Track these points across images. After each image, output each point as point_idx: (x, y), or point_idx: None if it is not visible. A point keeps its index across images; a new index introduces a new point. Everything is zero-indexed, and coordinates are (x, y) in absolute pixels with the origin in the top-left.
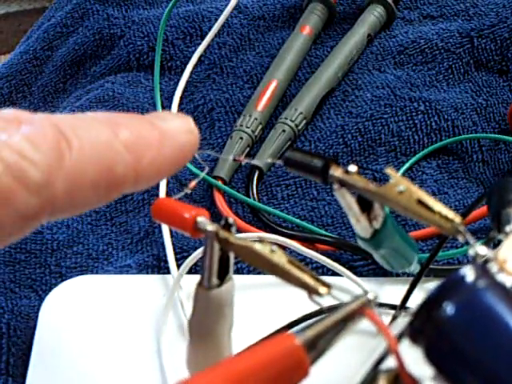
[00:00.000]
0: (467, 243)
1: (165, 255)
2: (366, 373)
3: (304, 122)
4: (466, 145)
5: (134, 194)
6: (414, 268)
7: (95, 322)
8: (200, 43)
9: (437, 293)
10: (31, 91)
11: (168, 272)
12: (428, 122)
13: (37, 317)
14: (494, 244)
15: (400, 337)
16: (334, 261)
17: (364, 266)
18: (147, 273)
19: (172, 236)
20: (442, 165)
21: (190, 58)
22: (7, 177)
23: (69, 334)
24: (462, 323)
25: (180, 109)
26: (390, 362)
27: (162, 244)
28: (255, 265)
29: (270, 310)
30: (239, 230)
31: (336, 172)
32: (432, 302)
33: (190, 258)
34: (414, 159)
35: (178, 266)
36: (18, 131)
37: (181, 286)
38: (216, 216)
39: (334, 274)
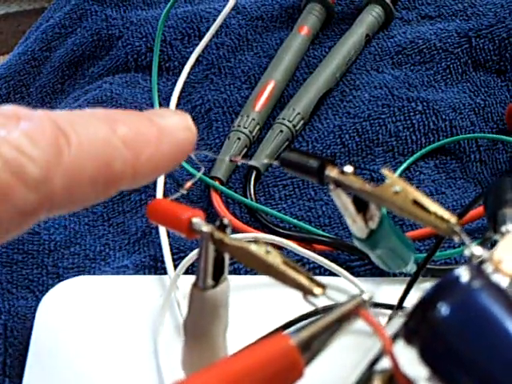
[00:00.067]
0: (463, 243)
1: (162, 256)
2: (361, 373)
3: (302, 122)
4: (464, 145)
5: (131, 195)
6: (411, 268)
7: (92, 322)
8: (198, 44)
9: (431, 293)
10: (29, 92)
11: (165, 272)
12: (426, 122)
13: (34, 317)
14: (492, 244)
15: (395, 337)
16: (332, 261)
17: (361, 266)
18: (144, 273)
19: (169, 237)
20: (440, 165)
21: (187, 59)
22: (5, 173)
23: (66, 334)
24: (456, 324)
25: (178, 109)
26: (385, 363)
27: (159, 245)
28: (250, 265)
29: (265, 310)
30: (237, 231)
31: (332, 172)
32: (427, 303)
33: (186, 258)
34: (411, 159)
35: (175, 267)
36: (17, 127)
37: (177, 286)
38: (213, 216)
39: (331, 274)
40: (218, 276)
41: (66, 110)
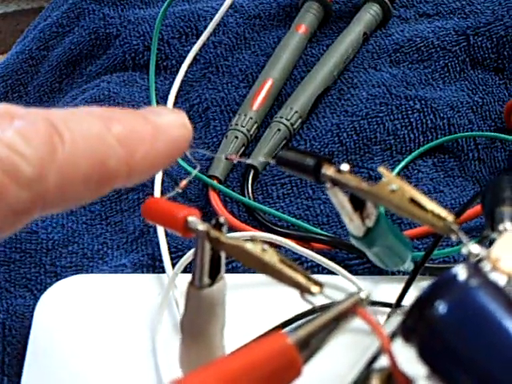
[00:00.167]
0: (460, 242)
1: (160, 254)
2: (359, 372)
3: (299, 120)
4: (462, 143)
5: (129, 194)
6: (408, 266)
7: (90, 321)
8: (195, 42)
9: (429, 292)
10: (27, 91)
11: (163, 271)
12: (424, 121)
13: (32, 316)
14: (489, 242)
15: (393, 336)
16: (330, 259)
17: (359, 264)
18: (142, 272)
19: (167, 235)
20: (438, 163)
21: (185, 58)
22: None
23: (64, 333)
24: (454, 322)
25: (175, 108)
26: (383, 361)
27: (157, 243)
28: (247, 264)
29: (262, 309)
30: (234, 229)
31: (328, 171)
32: (424, 301)
33: (184, 257)
34: (409, 158)
35: (173, 265)
36: (11, 126)
37: (176, 285)
38: (211, 215)
39: (330, 272)
40: (214, 274)
41: (63, 108)
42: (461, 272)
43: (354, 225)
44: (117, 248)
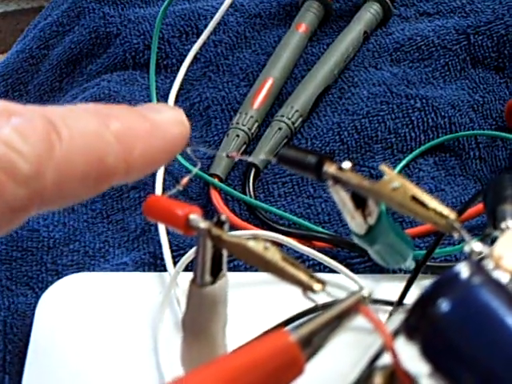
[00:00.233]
0: (463, 240)
1: (161, 253)
2: (362, 370)
3: (300, 119)
4: (463, 142)
5: (130, 192)
6: (409, 264)
7: (92, 319)
8: (196, 41)
9: (432, 289)
10: (27, 90)
11: (164, 270)
12: (425, 119)
13: (33, 314)
14: (491, 241)
15: (396, 333)
16: (331, 258)
17: (361, 263)
18: (144, 270)
19: (168, 234)
20: (439, 162)
21: (185, 56)
22: None
23: (65, 331)
24: (457, 320)
25: (176, 107)
26: (386, 359)
27: (159, 242)
28: (249, 262)
29: (264, 307)
30: (236, 228)
31: (330, 168)
32: (427, 299)
33: (186, 255)
34: (410, 156)
35: (175, 264)
36: (8, 123)
37: (177, 283)
38: (212, 214)
39: (331, 271)
40: (216, 272)
41: (61, 105)
42: (463, 270)
43: (355, 223)
44: (118, 246)
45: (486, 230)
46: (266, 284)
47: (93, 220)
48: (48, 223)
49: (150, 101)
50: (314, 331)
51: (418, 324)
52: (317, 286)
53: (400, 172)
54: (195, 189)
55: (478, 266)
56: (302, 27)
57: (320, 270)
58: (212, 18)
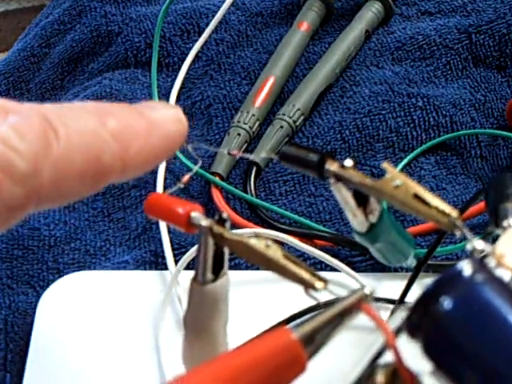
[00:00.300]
0: (465, 238)
1: (162, 251)
2: (364, 367)
3: (302, 118)
4: (465, 141)
5: (131, 191)
6: (411, 262)
7: (93, 317)
8: (197, 40)
9: (434, 287)
10: (29, 88)
11: (166, 268)
12: (426, 118)
13: (34, 313)
14: (493, 239)
15: (398, 331)
16: (332, 256)
17: (362, 261)
18: (145, 269)
19: (169, 232)
20: (441, 161)
21: (187, 55)
22: None
23: (66, 329)
24: (459, 318)
25: (177, 105)
26: (388, 357)
27: (160, 240)
28: (250, 260)
29: (265, 306)
30: (237, 226)
31: (332, 166)
32: (429, 297)
33: (187, 253)
34: (412, 155)
35: (176, 262)
36: (5, 121)
37: (178, 281)
38: (214, 212)
39: (332, 269)
40: (217, 270)
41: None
42: (466, 268)
43: (357, 220)
44: (119, 245)
45: (488, 228)
46: (267, 282)
47: (94, 218)
48: (49, 222)
49: (151, 99)
50: (316, 329)
51: (421, 322)
52: (319, 284)
53: (401, 171)
54: (196, 187)
55: (480, 263)
56: (303, 26)
57: (321, 269)
58: (213, 16)
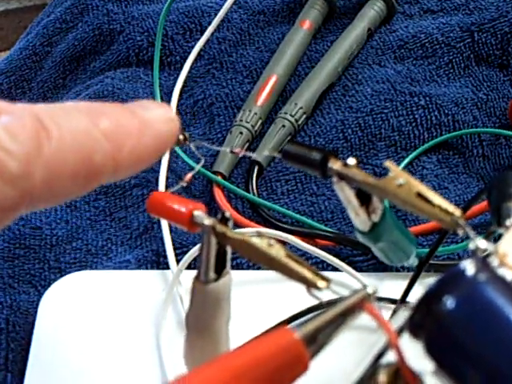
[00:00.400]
0: (467, 237)
1: (164, 251)
2: (367, 367)
3: (304, 116)
4: (467, 139)
5: (133, 190)
6: (413, 261)
7: (94, 317)
8: (199, 38)
9: (437, 287)
10: (31, 87)
11: (167, 267)
12: (428, 117)
13: (36, 312)
14: (495, 238)
15: (400, 331)
16: (334, 256)
17: (364, 261)
18: (146, 268)
19: (171, 231)
20: (443, 160)
21: (189, 53)
22: None
23: (68, 329)
24: (462, 317)
25: (180, 104)
26: (391, 357)
27: (162, 239)
28: (253, 259)
29: (268, 305)
30: (239, 225)
31: (335, 165)
32: (432, 296)
33: (189, 253)
34: (414, 154)
35: (178, 262)
36: None
37: (180, 281)
38: (216, 211)
39: (334, 269)
40: (220, 269)
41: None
42: (469, 267)
43: (360, 219)
44: (121, 244)
45: (491, 228)
46: (268, 282)
47: (95, 218)
48: (50, 221)
49: (153, 98)
50: (319, 328)
51: (423, 321)
52: (321, 284)
53: (403, 170)
54: (198, 186)
55: (483, 263)
56: (305, 24)
57: (323, 268)
58: (216, 14)
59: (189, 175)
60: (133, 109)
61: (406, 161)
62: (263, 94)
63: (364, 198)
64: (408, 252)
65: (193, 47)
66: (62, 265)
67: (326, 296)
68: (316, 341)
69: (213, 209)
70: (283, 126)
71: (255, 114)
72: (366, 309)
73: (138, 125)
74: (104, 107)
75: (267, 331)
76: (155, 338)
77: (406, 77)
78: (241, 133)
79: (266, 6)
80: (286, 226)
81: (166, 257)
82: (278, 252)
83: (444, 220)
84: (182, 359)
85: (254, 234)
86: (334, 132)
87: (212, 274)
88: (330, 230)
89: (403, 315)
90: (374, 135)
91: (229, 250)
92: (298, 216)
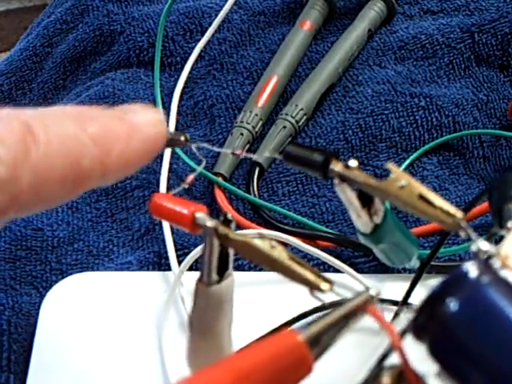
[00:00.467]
0: (469, 239)
1: (166, 252)
2: (370, 369)
3: (305, 117)
4: (467, 141)
5: (134, 191)
6: (414, 263)
7: (96, 318)
8: (200, 39)
9: (440, 289)
10: (31, 88)
11: (169, 269)
12: (429, 118)
13: (37, 314)
14: (497, 240)
15: (403, 333)
16: (335, 257)
17: (365, 262)
18: (148, 269)
19: (173, 233)
20: (443, 161)
21: (190, 54)
22: None
23: (70, 330)
24: (465, 319)
25: (180, 105)
26: (394, 359)
27: (163, 241)
28: (255, 261)
29: (271, 306)
30: (240, 227)
31: (336, 167)
32: (435, 298)
33: (190, 254)
34: (414, 155)
35: (179, 263)
36: None
37: (182, 282)
38: (217, 212)
39: (335, 270)
40: (222, 271)
41: (68, 105)
42: (472, 269)
43: (361, 221)
44: (122, 245)
45: (492, 229)
46: (270, 283)
47: (97, 219)
48: (52, 222)
49: (154, 99)
50: (322, 331)
51: (427, 323)
52: (324, 286)
53: (404, 171)
54: (199, 187)
55: (486, 265)
56: (306, 25)
57: (324, 270)
58: (216, 15)
59: (190, 177)
60: (121, 113)
61: (407, 162)
62: (264, 95)
63: (366, 200)
64: (410, 253)
65: (193, 48)
66: (63, 266)
67: (328, 298)
68: (320, 343)
69: (214, 210)
70: (284, 127)
71: (256, 115)
72: (369, 311)
73: (127, 129)
74: (92, 111)
75: (270, 333)
76: (157, 340)
77: (406, 78)
78: (241, 134)
79: (266, 6)
80: (287, 227)
81: (167, 258)
82: (281, 254)
83: (446, 222)
84: (184, 361)
85: (255, 235)
86: (335, 133)
87: (214, 276)
88: (331, 231)
89: (405, 317)
90: (374, 136)
91: (231, 251)
92: (299, 217)
